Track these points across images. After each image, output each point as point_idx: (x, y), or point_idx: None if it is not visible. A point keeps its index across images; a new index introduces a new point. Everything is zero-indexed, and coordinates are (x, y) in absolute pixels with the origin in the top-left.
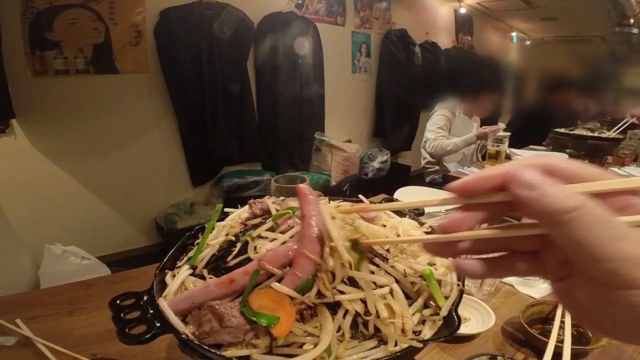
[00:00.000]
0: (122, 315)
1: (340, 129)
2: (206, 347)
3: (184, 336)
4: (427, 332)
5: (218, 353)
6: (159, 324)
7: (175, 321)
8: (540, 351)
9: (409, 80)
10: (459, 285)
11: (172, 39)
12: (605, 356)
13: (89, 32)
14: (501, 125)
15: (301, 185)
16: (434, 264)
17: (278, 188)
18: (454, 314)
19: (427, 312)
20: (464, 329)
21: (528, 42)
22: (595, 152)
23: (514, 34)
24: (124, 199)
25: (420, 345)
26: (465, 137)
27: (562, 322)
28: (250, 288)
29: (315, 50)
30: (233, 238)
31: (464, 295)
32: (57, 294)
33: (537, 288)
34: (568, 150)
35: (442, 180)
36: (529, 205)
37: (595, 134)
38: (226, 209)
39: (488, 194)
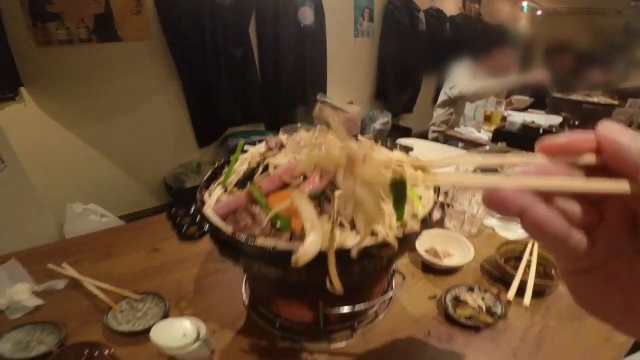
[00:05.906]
0: (177, 221)
1: (342, 90)
2: (241, 239)
3: (226, 232)
4: (408, 229)
5: (252, 242)
6: (207, 225)
7: (220, 222)
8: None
9: (412, 46)
10: (435, 200)
11: (173, 5)
12: (567, 294)
13: (89, 4)
14: None
15: None
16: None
17: None
18: (428, 215)
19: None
20: (448, 262)
21: (539, 12)
22: (590, 117)
23: (524, 3)
24: (133, 161)
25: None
26: None
27: (529, 260)
28: (261, 198)
29: (317, 15)
30: (255, 166)
31: (449, 232)
32: (93, 241)
33: (514, 232)
34: (563, 114)
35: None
36: (619, 151)
37: (591, 100)
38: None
39: (575, 155)
